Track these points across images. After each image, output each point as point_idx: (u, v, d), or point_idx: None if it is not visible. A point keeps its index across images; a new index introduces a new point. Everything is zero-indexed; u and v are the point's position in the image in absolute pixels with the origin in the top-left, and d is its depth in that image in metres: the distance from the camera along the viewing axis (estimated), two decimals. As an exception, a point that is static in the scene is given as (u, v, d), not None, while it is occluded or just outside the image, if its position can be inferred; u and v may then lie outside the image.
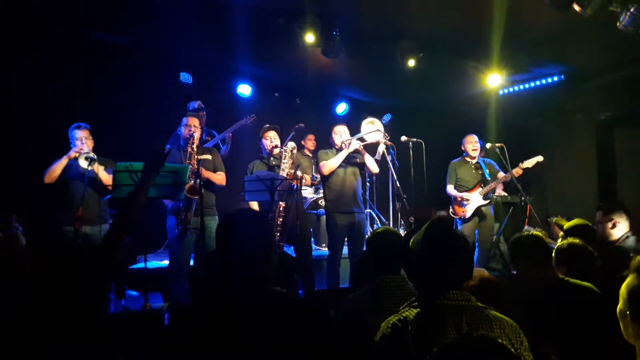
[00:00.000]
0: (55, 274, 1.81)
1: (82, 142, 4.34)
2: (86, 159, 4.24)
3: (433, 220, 1.76)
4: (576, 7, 3.76)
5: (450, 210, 5.66)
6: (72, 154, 4.28)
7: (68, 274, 1.82)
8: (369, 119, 4.99)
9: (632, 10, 3.75)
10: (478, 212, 5.51)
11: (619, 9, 3.82)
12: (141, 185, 2.21)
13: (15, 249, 2.43)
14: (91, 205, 4.33)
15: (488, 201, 5.50)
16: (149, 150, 2.25)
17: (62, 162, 4.28)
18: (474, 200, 5.50)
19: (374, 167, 4.89)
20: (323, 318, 1.81)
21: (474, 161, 5.65)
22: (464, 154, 5.76)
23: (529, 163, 5.36)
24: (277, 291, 1.69)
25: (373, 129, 4.92)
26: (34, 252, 2.07)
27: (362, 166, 4.92)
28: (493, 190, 5.60)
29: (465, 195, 5.52)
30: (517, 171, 5.35)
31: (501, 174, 5.55)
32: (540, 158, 5.37)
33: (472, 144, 5.62)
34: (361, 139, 4.83)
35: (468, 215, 5.50)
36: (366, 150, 4.88)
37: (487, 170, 5.61)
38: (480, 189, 5.52)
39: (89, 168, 4.22)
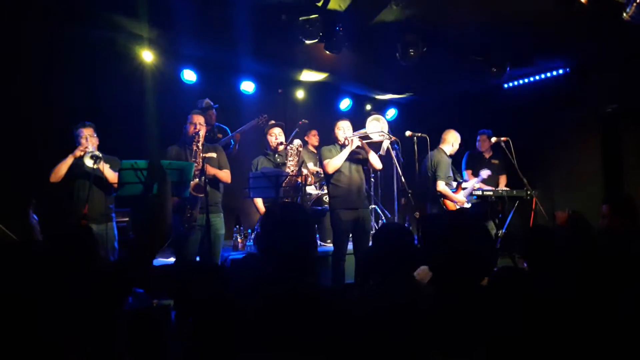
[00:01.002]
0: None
1: (87, 140, 4.37)
2: (92, 157, 4.25)
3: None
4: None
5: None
6: (77, 152, 4.30)
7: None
8: (374, 116, 4.96)
9: (638, 0, 3.72)
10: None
11: (624, 0, 3.78)
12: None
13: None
14: (97, 203, 4.35)
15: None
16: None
17: (68, 161, 4.30)
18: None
19: (377, 164, 4.88)
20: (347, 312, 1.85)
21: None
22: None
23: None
24: (313, 284, 1.79)
25: (377, 127, 4.89)
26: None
27: (366, 162, 4.90)
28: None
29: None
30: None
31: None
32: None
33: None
34: (365, 137, 4.81)
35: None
36: (370, 146, 4.87)
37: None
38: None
39: (95, 167, 4.23)
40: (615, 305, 1.97)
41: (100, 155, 4.29)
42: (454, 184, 5.68)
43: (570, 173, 6.52)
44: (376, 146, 5.02)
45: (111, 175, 4.33)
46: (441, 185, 5.41)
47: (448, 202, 5.47)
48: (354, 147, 4.72)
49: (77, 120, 4.54)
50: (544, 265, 2.49)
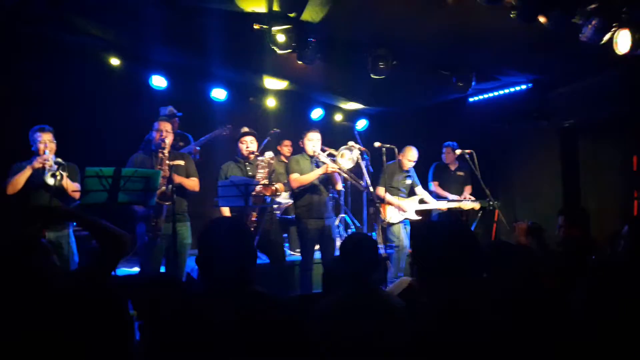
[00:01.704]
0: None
1: (46, 146, 4.13)
2: (53, 176, 4.04)
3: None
4: (541, 19, 3.89)
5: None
6: (36, 164, 4.05)
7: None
8: (347, 146, 4.91)
9: (593, 22, 3.90)
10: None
11: (581, 22, 3.96)
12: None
13: None
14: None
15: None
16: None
17: (26, 173, 4.05)
18: (410, 210, 5.73)
19: (340, 187, 5.08)
20: (301, 319, 1.87)
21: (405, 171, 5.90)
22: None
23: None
24: (258, 290, 1.78)
25: (348, 156, 4.91)
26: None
27: (330, 180, 4.95)
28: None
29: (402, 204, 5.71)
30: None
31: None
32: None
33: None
34: (338, 168, 4.80)
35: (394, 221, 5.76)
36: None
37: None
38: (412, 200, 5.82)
39: (56, 183, 4.06)
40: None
41: (63, 163, 4.13)
42: (403, 196, 5.85)
43: (531, 184, 6.73)
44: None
45: (71, 186, 4.15)
46: (379, 190, 5.66)
47: (385, 207, 5.70)
48: (328, 172, 4.73)
49: (35, 124, 4.28)
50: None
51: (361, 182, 5.09)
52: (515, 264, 2.19)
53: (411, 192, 5.98)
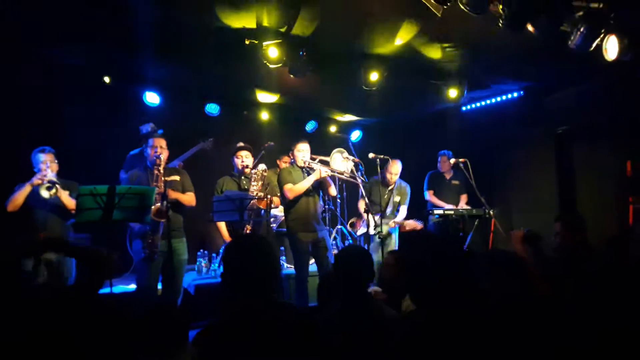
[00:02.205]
0: None
1: (47, 165, 4.27)
2: (47, 189, 4.16)
3: None
4: (530, 28, 3.92)
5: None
6: (36, 181, 4.20)
7: None
8: (338, 149, 5.10)
9: (581, 29, 3.94)
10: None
11: (569, 29, 3.99)
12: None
13: None
14: (55, 230, 4.26)
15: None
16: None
17: (26, 190, 4.19)
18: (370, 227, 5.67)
19: (333, 192, 5.03)
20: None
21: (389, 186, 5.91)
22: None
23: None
24: (284, 302, 1.92)
25: (340, 160, 5.01)
26: None
27: (324, 188, 4.97)
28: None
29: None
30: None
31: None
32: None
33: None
34: (330, 170, 4.87)
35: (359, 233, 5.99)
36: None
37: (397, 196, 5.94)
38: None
39: (51, 196, 4.16)
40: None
41: (58, 181, 4.21)
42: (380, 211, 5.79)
43: (526, 192, 6.74)
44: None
45: (69, 202, 4.24)
46: (359, 204, 5.93)
47: (359, 221, 6.02)
48: (321, 176, 4.74)
49: (34, 145, 4.43)
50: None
51: (357, 179, 5.10)
52: (509, 271, 2.19)
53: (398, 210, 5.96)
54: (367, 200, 5.11)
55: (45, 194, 4.16)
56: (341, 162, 5.02)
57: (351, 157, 5.11)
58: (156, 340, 2.13)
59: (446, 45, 5.06)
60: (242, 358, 1.66)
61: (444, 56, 5.34)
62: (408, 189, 6.00)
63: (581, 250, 3.38)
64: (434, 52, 5.26)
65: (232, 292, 1.86)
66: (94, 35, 4.81)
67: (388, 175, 5.81)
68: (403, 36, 4.82)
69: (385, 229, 5.52)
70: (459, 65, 5.62)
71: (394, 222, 5.78)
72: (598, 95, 5.82)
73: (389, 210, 5.86)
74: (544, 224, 4.62)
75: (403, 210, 5.92)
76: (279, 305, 1.88)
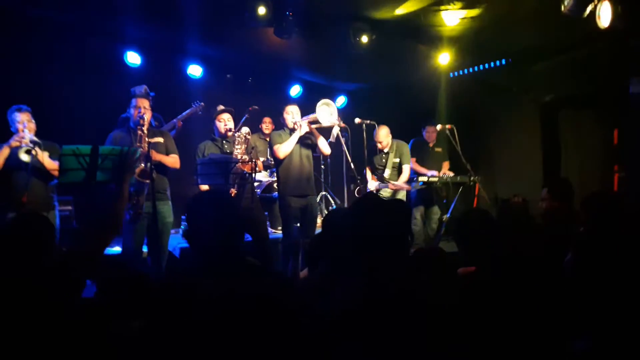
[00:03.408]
0: None
1: (25, 125, 4.12)
2: (26, 152, 4.05)
3: None
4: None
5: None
6: (14, 142, 4.06)
7: None
8: (323, 101, 4.98)
9: (575, -6, 3.90)
10: None
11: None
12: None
13: None
14: (37, 192, 4.15)
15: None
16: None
17: (4, 152, 4.06)
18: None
19: (326, 149, 4.93)
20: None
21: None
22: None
23: None
24: (253, 262, 1.81)
25: (327, 111, 4.93)
26: None
27: (315, 147, 4.93)
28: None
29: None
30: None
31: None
32: None
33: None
34: (314, 122, 4.83)
35: None
36: (320, 132, 4.90)
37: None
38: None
39: (29, 159, 4.05)
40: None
41: (39, 141, 4.09)
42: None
43: (511, 159, 6.79)
44: (326, 133, 5.06)
45: (50, 164, 4.13)
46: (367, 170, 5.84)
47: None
48: (302, 132, 4.73)
49: (10, 104, 4.27)
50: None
51: (343, 146, 5.09)
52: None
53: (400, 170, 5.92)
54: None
55: (24, 157, 4.05)
56: (328, 115, 4.90)
57: (337, 122, 5.02)
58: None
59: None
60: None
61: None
62: (407, 148, 5.93)
63: (565, 216, 3.42)
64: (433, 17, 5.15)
65: (197, 251, 1.80)
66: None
67: (377, 144, 5.78)
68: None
69: (384, 194, 5.59)
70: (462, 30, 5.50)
71: (393, 184, 5.70)
72: (585, 64, 5.81)
73: (387, 173, 5.81)
74: (528, 192, 4.68)
75: (406, 170, 5.85)
76: (250, 267, 1.81)
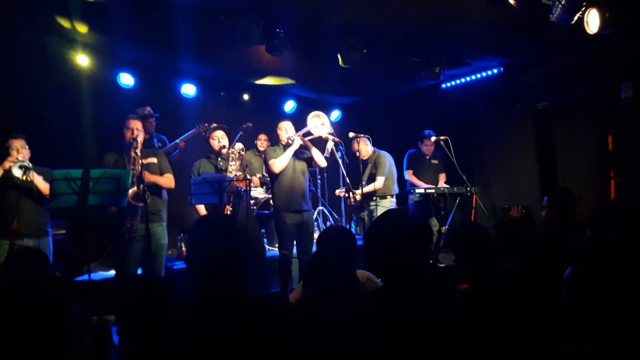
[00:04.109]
0: None
1: (18, 152, 4.09)
2: (20, 167, 3.98)
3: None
4: (511, 1, 3.88)
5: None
6: (6, 164, 4.02)
7: None
8: (315, 113, 5.01)
9: (562, 2, 3.91)
10: None
11: (550, 2, 3.96)
12: None
13: None
14: (29, 216, 4.09)
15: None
16: None
17: None
18: None
19: (321, 161, 4.91)
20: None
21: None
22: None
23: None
24: (249, 294, 1.73)
25: (318, 123, 4.94)
26: None
27: (310, 161, 4.92)
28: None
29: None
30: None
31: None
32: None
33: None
34: (306, 133, 4.84)
35: None
36: (313, 145, 4.90)
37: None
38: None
39: (24, 178, 3.98)
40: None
41: (30, 165, 4.04)
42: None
43: (507, 169, 6.77)
44: (320, 146, 5.06)
45: (44, 187, 4.06)
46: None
47: None
48: (296, 146, 4.72)
49: (6, 130, 4.25)
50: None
51: (338, 160, 5.08)
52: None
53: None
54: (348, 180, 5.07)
55: (17, 172, 3.97)
56: (320, 125, 4.91)
57: (330, 133, 5.02)
58: None
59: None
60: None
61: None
62: (384, 159, 5.81)
63: (566, 225, 3.40)
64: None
65: (197, 276, 1.72)
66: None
67: (356, 153, 5.72)
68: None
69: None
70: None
71: (356, 193, 5.46)
72: (577, 71, 5.82)
73: (365, 184, 5.70)
74: (525, 201, 4.66)
75: (379, 181, 5.74)
76: (247, 300, 1.72)
